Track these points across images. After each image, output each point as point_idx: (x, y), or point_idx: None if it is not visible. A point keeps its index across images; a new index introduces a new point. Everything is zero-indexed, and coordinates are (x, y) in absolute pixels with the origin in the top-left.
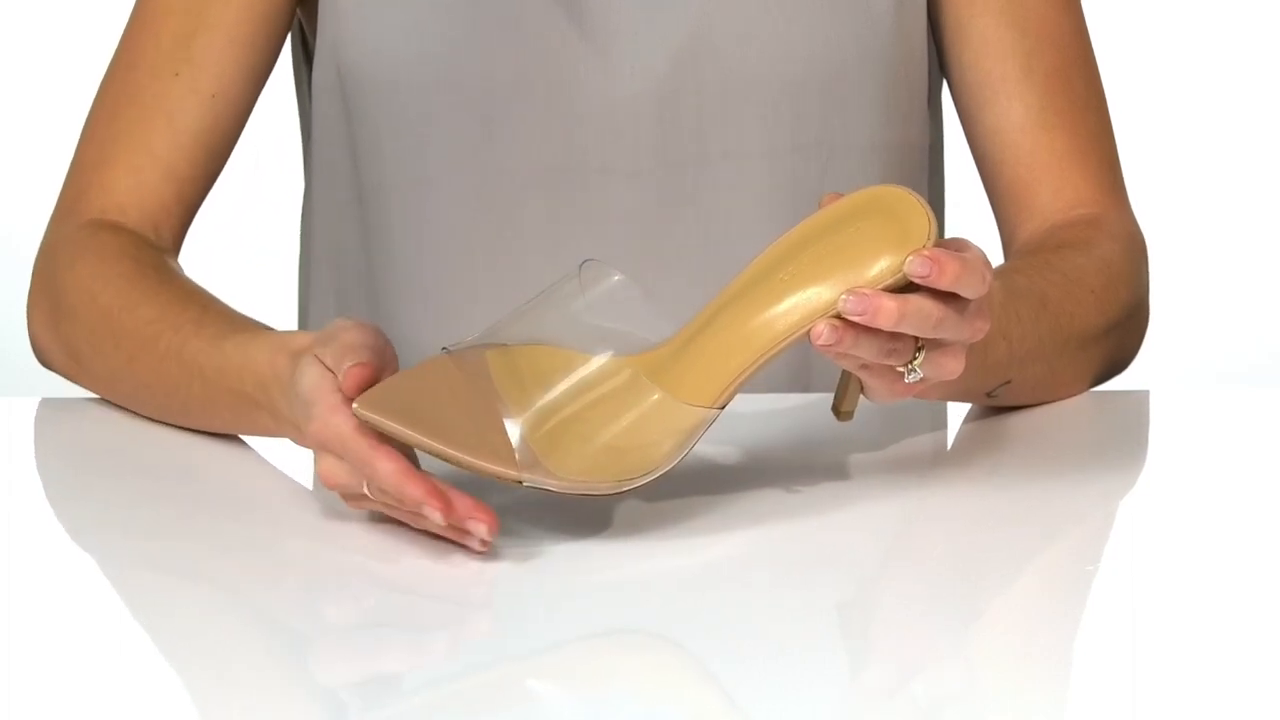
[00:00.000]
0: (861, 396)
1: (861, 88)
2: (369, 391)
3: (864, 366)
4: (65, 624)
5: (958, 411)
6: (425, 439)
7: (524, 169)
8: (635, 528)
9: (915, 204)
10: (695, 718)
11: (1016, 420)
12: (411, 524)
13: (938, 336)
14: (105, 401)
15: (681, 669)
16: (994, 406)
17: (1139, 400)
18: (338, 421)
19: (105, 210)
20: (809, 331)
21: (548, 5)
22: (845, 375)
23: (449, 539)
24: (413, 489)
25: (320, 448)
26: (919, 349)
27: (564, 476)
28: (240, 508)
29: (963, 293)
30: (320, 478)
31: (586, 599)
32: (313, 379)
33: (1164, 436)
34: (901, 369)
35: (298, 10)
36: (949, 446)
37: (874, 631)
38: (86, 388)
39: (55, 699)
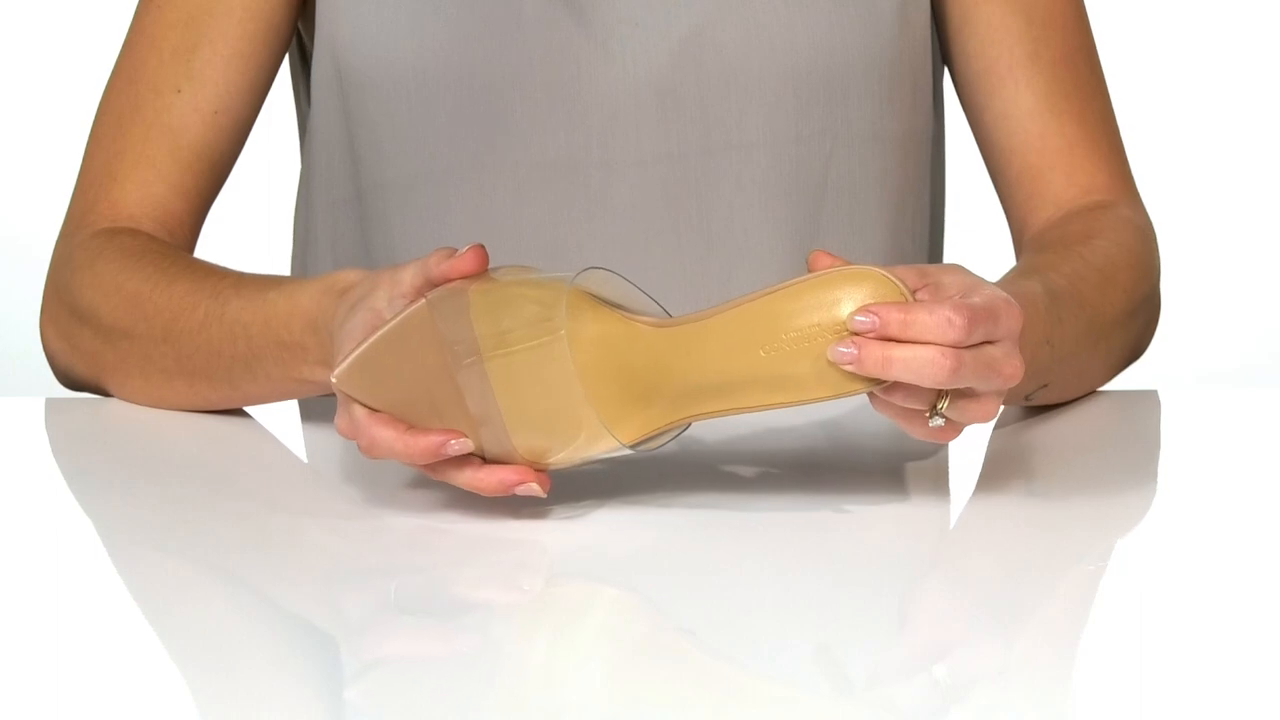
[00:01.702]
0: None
1: (865, 78)
2: (348, 363)
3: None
4: (89, 619)
5: None
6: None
7: (526, 164)
8: (639, 518)
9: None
10: None
11: (1026, 421)
12: (433, 475)
13: (956, 386)
14: (112, 400)
15: (694, 672)
16: (1023, 408)
17: (1148, 400)
18: None
19: (117, 220)
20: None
21: (547, 0)
22: None
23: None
24: (420, 443)
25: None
26: (943, 395)
27: (502, 446)
28: (258, 498)
29: (922, 338)
30: (336, 428)
31: (591, 602)
32: (354, 327)
33: (1174, 435)
34: (926, 414)
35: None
36: (958, 444)
37: (883, 632)
38: (113, 389)
39: (71, 693)
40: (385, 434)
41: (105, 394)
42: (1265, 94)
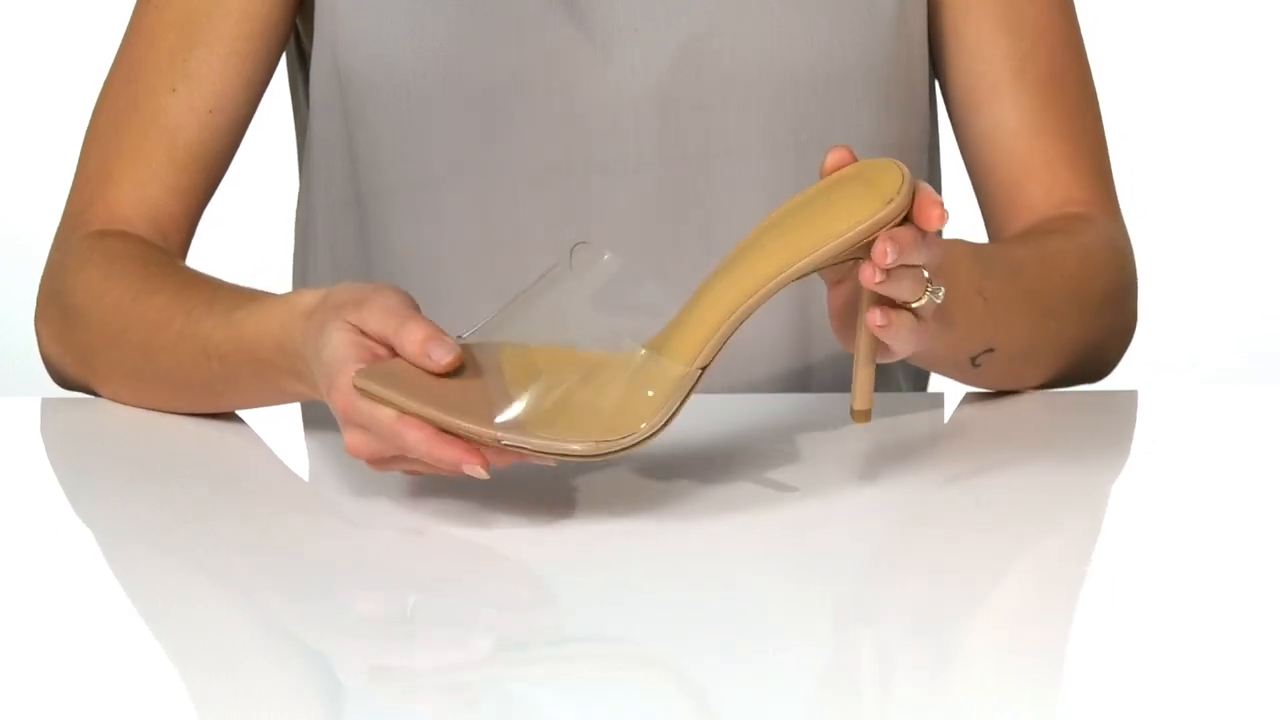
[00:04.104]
0: (875, 394)
1: (864, 86)
2: (369, 368)
3: (883, 327)
4: (86, 621)
5: (950, 407)
6: (410, 403)
7: (525, 169)
8: (635, 525)
9: (894, 169)
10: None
11: (1007, 417)
12: (446, 475)
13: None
14: (108, 400)
15: (681, 670)
16: (981, 393)
17: (1127, 399)
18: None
19: (111, 221)
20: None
21: (547, 4)
22: (856, 374)
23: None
24: (448, 452)
25: (345, 419)
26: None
27: (542, 436)
28: (255, 501)
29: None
30: (348, 449)
31: (586, 602)
32: (336, 347)
33: (1153, 434)
34: (928, 296)
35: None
36: (940, 443)
37: (867, 627)
38: (103, 393)
39: (70, 694)
40: (417, 435)
41: (97, 395)
42: (1253, 99)
